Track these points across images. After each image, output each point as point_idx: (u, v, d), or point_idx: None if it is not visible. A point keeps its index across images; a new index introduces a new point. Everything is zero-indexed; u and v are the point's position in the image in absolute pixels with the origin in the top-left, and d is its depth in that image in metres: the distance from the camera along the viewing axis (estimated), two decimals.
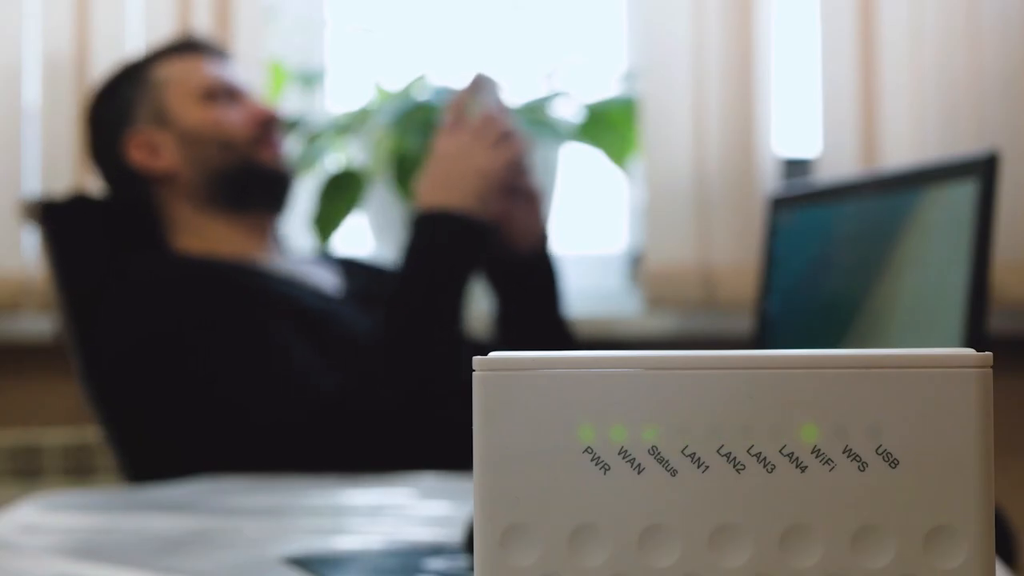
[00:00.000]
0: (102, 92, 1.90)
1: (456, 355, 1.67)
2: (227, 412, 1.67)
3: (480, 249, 1.72)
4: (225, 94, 1.87)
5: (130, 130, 1.86)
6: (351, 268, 1.95)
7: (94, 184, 2.23)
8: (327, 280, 1.88)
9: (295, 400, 1.66)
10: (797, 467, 0.55)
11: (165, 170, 1.85)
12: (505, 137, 1.73)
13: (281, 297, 1.75)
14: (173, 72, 1.87)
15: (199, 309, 1.72)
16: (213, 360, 1.68)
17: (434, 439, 1.65)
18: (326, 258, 2.01)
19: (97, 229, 1.88)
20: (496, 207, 1.74)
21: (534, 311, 1.85)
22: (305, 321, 1.73)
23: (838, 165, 2.27)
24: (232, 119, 1.86)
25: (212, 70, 1.89)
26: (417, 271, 1.69)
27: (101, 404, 1.80)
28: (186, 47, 1.91)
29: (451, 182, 1.71)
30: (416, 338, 1.66)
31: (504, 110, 1.79)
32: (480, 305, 2.19)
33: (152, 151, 1.85)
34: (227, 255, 1.83)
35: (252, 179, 1.86)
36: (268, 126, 1.88)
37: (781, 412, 0.55)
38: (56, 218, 1.89)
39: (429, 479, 1.53)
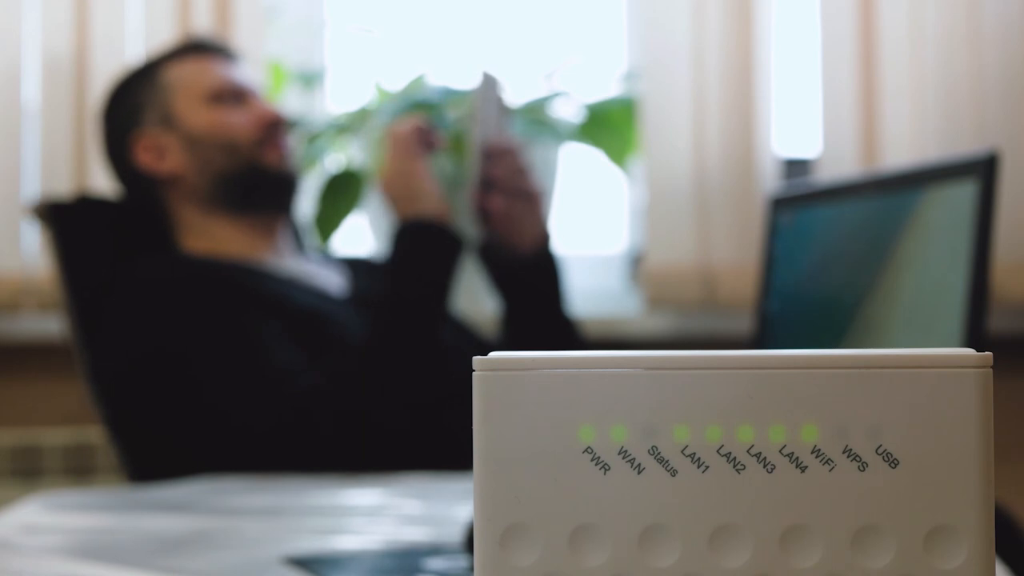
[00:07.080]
0: (113, 94, 1.92)
1: (435, 357, 1.70)
2: (213, 414, 1.69)
3: (454, 252, 1.77)
4: (232, 96, 1.88)
5: (137, 132, 1.88)
6: (359, 269, 1.96)
7: (94, 184, 2.23)
8: (332, 281, 1.89)
9: (272, 400, 1.66)
10: (797, 467, 0.55)
11: (171, 172, 1.86)
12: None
13: (274, 297, 1.76)
14: (182, 74, 1.89)
15: (193, 311, 1.73)
16: (203, 362, 1.70)
17: (413, 440, 1.67)
18: (334, 259, 2.01)
19: (103, 229, 1.89)
20: (498, 209, 1.77)
21: (538, 310, 1.86)
22: (296, 321, 1.74)
23: (838, 165, 2.27)
24: (237, 121, 1.87)
25: (220, 71, 1.90)
26: (395, 277, 1.74)
27: (104, 405, 1.81)
28: (196, 48, 1.92)
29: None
30: (394, 341, 1.69)
31: (504, 111, 1.80)
32: (487, 306, 2.18)
33: (158, 153, 1.87)
34: (231, 256, 1.83)
35: (257, 181, 1.87)
36: (274, 127, 1.88)
37: (781, 412, 0.55)
38: (63, 219, 1.90)
39: (429, 479, 1.53)
